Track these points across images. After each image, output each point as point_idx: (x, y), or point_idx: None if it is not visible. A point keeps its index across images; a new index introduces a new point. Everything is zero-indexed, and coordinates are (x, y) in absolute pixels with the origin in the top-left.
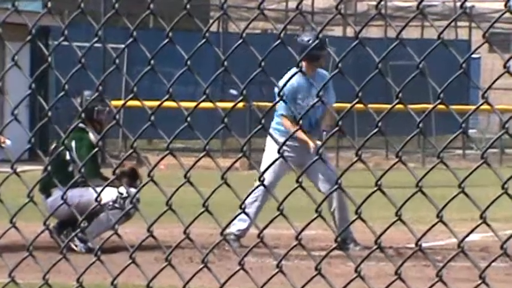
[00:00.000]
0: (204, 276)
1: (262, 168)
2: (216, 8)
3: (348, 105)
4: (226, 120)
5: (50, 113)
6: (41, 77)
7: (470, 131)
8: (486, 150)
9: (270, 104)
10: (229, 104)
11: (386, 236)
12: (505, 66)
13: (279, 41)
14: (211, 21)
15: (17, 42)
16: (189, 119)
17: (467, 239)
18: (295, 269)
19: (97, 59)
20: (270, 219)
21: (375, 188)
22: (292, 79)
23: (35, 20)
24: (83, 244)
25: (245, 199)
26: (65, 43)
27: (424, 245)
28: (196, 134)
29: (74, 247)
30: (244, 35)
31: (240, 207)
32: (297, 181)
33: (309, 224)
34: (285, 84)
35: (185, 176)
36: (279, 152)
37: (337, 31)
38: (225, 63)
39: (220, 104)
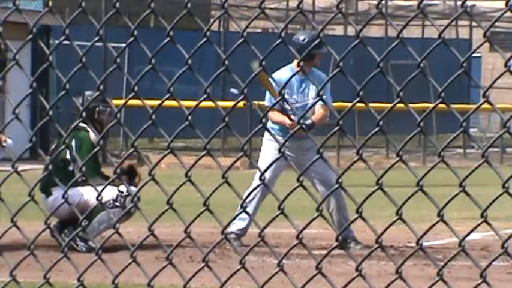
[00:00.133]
0: (204, 275)
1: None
2: (217, 7)
3: (349, 104)
4: (227, 119)
5: (51, 112)
6: (42, 76)
7: (471, 130)
8: (487, 149)
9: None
10: (230, 103)
11: (387, 235)
12: (506, 65)
13: (279, 40)
14: (212, 20)
15: (18, 41)
16: (190, 118)
17: (468, 238)
18: (296, 268)
19: (98, 58)
20: (271, 218)
21: (376, 187)
22: (282, 73)
23: (36, 19)
24: (84, 243)
25: (245, 198)
26: (66, 42)
27: (425, 244)
28: (197, 133)
29: (75, 246)
30: (245, 34)
31: (241, 206)
32: (298, 180)
33: (309, 223)
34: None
35: (186, 175)
36: (279, 151)
37: (338, 30)
38: (226, 62)
39: (221, 103)
